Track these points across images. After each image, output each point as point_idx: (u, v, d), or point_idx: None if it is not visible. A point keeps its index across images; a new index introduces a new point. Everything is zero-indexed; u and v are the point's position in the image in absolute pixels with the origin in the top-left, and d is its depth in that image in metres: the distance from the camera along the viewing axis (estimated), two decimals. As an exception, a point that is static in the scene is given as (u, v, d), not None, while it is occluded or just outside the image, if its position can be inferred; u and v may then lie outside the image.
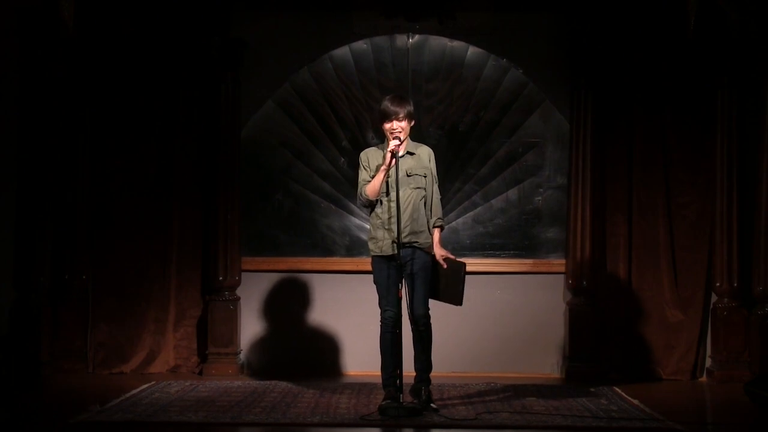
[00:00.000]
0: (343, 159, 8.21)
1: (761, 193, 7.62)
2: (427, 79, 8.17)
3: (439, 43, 8.17)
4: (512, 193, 8.18)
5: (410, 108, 6.41)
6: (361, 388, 7.20)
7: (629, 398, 6.83)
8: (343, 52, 8.18)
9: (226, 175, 8.02)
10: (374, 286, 6.49)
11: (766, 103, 7.62)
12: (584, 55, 7.94)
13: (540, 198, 8.16)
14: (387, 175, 6.28)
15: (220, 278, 7.98)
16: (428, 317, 6.41)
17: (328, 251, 8.21)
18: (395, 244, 6.21)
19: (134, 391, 6.95)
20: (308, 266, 8.15)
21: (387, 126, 6.34)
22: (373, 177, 6.36)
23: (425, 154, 6.50)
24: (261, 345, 8.14)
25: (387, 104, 6.36)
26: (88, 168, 8.01)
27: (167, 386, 7.22)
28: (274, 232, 8.21)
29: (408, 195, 6.34)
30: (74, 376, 7.76)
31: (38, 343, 7.65)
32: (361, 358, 8.05)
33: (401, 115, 6.32)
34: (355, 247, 8.19)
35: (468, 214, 8.19)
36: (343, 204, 8.21)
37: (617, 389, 7.20)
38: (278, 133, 8.21)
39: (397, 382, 6.24)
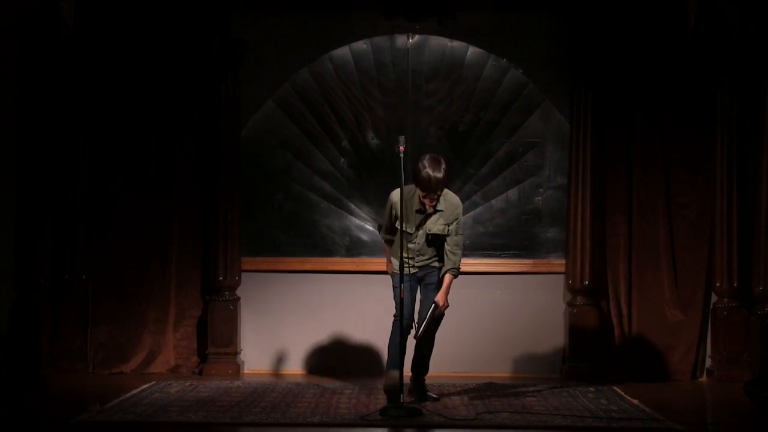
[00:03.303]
0: (343, 159, 8.21)
1: (761, 193, 7.62)
2: (427, 79, 8.17)
3: (439, 43, 8.17)
4: (512, 193, 8.18)
5: (445, 182, 6.50)
6: (361, 388, 7.20)
7: (629, 398, 6.82)
8: (343, 52, 8.18)
9: (226, 175, 8.02)
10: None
11: (766, 103, 7.62)
12: (584, 55, 7.94)
13: (540, 198, 8.16)
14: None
15: (220, 278, 7.98)
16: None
17: (328, 251, 8.20)
18: (410, 269, 6.63)
19: (134, 391, 6.95)
20: (308, 266, 8.15)
21: (422, 195, 6.50)
22: (395, 222, 6.63)
23: (452, 208, 6.65)
24: (261, 345, 8.14)
25: (429, 181, 6.40)
26: (88, 168, 8.01)
27: (167, 386, 7.22)
28: (274, 232, 8.21)
29: (427, 243, 6.65)
30: (74, 376, 7.76)
31: (38, 343, 7.64)
32: (361, 357, 8.05)
33: (438, 194, 6.50)
34: (355, 247, 8.19)
35: (468, 214, 8.18)
36: (343, 204, 8.21)
37: (617, 389, 7.20)
38: (278, 133, 8.20)
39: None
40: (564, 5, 8.06)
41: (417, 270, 6.67)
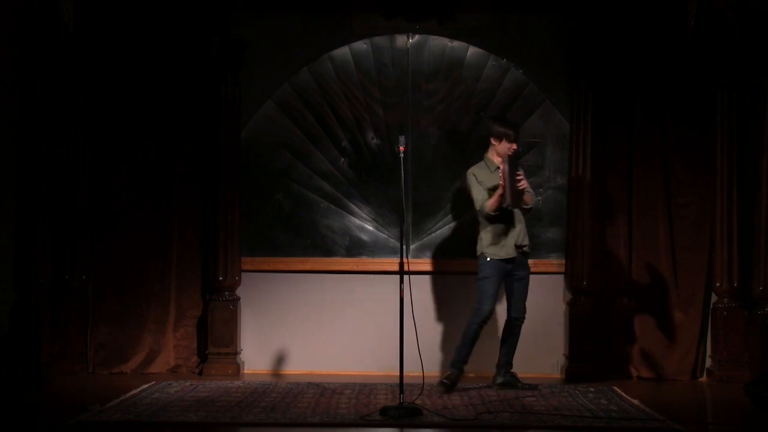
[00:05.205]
0: (343, 159, 8.21)
1: (761, 193, 7.61)
2: (427, 79, 8.17)
3: (439, 43, 8.17)
4: (512, 193, 8.18)
5: None
6: (361, 388, 7.20)
7: (629, 398, 6.82)
8: (343, 52, 8.18)
9: (226, 176, 8.02)
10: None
11: (766, 104, 7.61)
12: (584, 55, 7.94)
13: (540, 198, 8.16)
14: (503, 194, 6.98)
15: (220, 278, 7.98)
16: (524, 318, 7.26)
17: (328, 251, 8.20)
18: (516, 247, 7.11)
19: (134, 391, 6.95)
20: (308, 266, 8.15)
21: (507, 146, 7.13)
22: (489, 193, 7.07)
23: None
24: (261, 345, 8.14)
25: (509, 130, 7.15)
26: (88, 168, 8.01)
27: (167, 386, 7.22)
28: (274, 233, 8.21)
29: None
30: (74, 377, 7.76)
31: (38, 344, 7.63)
32: (361, 358, 8.04)
33: (518, 141, 7.23)
34: (355, 247, 8.18)
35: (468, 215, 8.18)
36: (343, 204, 8.21)
37: (617, 389, 7.20)
38: (278, 133, 8.20)
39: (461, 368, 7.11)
40: (564, 5, 8.06)
41: (512, 250, 7.07)
